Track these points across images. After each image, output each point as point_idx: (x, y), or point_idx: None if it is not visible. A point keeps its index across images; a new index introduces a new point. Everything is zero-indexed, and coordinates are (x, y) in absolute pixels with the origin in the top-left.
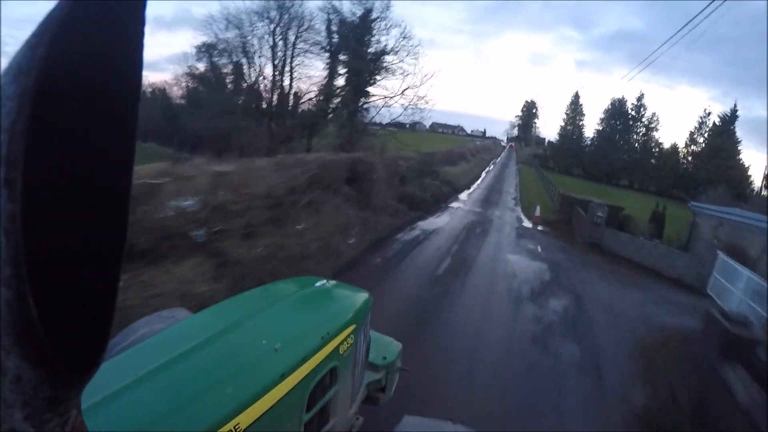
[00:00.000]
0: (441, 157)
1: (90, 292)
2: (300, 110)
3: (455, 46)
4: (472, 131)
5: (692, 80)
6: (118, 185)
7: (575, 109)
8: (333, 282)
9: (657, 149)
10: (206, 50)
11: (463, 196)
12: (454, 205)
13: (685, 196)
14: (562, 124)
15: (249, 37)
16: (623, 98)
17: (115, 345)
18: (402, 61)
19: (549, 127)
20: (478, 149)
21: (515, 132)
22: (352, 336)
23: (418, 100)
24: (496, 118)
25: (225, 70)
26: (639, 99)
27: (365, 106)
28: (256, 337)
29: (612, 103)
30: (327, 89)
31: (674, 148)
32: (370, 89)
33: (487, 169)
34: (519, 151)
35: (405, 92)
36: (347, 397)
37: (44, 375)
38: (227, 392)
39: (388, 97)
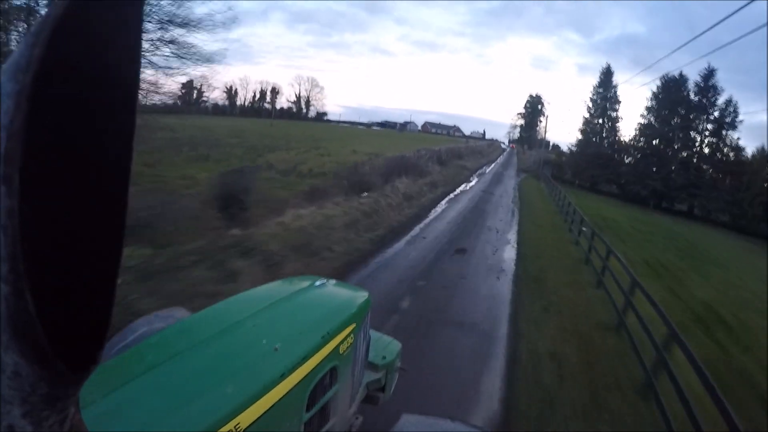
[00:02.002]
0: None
1: (88, 288)
2: None
3: (457, 49)
4: (471, 133)
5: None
6: (116, 182)
7: (606, 94)
8: (333, 281)
9: (734, 156)
10: None
11: None
12: None
13: None
14: (587, 115)
15: None
16: (682, 75)
17: (115, 344)
18: None
19: (551, 134)
20: (461, 153)
21: (517, 133)
22: (351, 335)
23: None
24: (499, 121)
25: None
26: (706, 78)
27: None
28: (256, 337)
29: (663, 83)
30: None
31: (762, 155)
32: None
33: (452, 194)
34: (521, 155)
35: None
36: (347, 396)
37: (42, 372)
38: (227, 392)
39: None
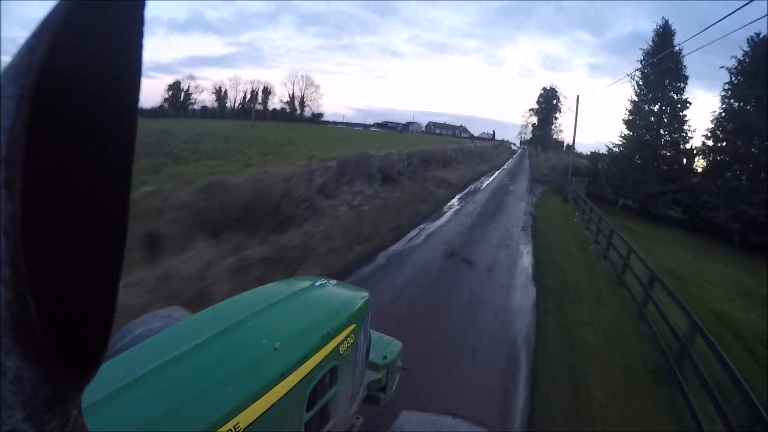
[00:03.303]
0: None
1: (90, 292)
2: None
3: (468, 51)
4: (481, 133)
5: (708, 84)
6: (118, 185)
7: (658, 60)
8: (333, 281)
9: None
10: None
11: None
12: None
13: None
14: (634, 98)
15: None
16: None
17: (113, 345)
18: None
19: (567, 134)
20: (448, 158)
21: (529, 132)
22: (352, 335)
23: None
24: (510, 122)
25: None
26: None
27: None
28: (256, 337)
29: (751, 47)
30: None
31: None
32: None
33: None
34: (534, 157)
35: None
36: (347, 396)
37: (44, 375)
38: (227, 391)
39: None
